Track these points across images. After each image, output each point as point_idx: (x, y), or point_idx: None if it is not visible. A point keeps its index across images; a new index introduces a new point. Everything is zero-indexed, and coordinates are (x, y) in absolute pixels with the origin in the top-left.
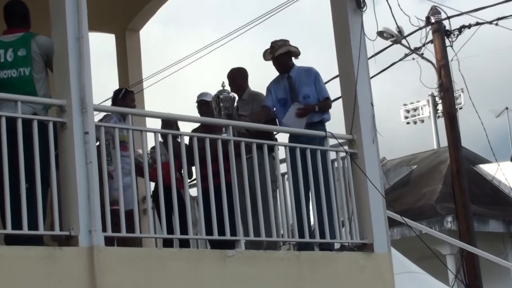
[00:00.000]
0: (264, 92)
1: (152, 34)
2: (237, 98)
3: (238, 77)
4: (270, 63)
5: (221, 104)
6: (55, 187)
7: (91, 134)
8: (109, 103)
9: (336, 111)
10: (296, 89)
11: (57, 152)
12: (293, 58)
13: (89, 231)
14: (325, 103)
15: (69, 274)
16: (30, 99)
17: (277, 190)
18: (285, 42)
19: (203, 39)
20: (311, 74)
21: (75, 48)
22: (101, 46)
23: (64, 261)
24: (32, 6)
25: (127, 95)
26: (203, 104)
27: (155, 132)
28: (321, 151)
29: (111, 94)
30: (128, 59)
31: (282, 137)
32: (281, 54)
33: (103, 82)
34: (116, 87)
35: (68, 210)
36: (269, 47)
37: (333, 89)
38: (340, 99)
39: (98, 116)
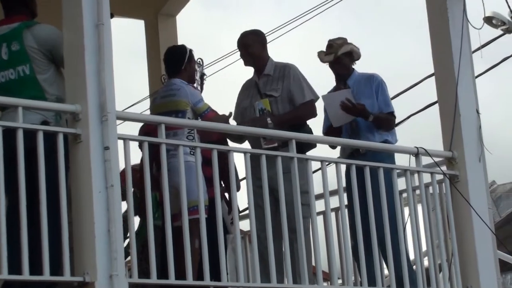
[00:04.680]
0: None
1: (192, 20)
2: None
3: (251, 43)
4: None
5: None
6: (65, 218)
7: (112, 150)
8: (135, 109)
9: (432, 121)
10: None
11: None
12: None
13: (110, 277)
14: (386, 118)
15: None
16: (30, 104)
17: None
18: (344, 41)
19: (261, 23)
20: (373, 83)
21: (93, 38)
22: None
23: None
24: None
25: (192, 57)
26: None
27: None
28: (411, 173)
29: (165, 55)
30: (161, 51)
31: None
32: (343, 54)
33: (127, 82)
34: (145, 87)
35: (82, 249)
36: (325, 47)
37: (428, 92)
38: (436, 105)
39: (121, 126)
